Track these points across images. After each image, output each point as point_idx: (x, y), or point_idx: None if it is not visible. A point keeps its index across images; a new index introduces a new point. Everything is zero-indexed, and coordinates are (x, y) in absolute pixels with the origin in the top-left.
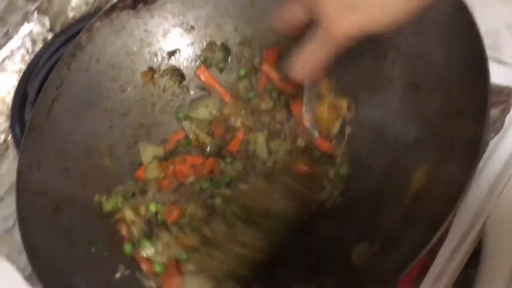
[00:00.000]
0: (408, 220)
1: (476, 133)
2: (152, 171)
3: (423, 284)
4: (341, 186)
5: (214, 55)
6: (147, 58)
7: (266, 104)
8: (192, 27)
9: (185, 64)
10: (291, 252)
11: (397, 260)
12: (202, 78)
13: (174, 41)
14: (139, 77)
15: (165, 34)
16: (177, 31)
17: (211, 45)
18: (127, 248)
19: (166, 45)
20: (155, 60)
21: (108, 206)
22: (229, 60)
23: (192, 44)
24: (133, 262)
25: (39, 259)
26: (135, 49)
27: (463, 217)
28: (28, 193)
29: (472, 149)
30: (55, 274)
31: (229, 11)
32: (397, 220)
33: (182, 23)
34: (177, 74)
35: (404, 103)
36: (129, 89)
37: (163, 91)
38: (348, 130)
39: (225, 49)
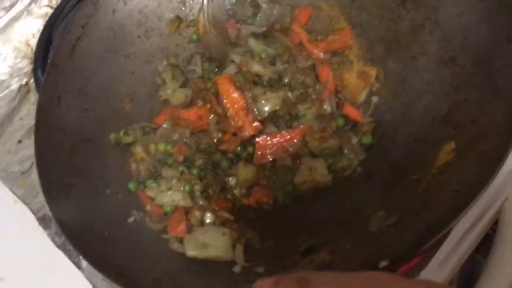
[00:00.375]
0: (428, 197)
1: None
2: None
3: (430, 265)
4: (362, 155)
5: (243, 11)
6: (175, 6)
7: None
8: None
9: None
10: (308, 214)
11: (414, 236)
12: (230, 30)
13: None
14: (165, 25)
15: None
16: None
17: (241, 0)
18: (131, 185)
19: None
20: (183, 9)
21: (128, 139)
22: (258, 17)
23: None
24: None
25: (55, 195)
26: None
27: (479, 198)
28: (47, 128)
29: (507, 131)
30: (70, 211)
31: None
32: (417, 195)
33: None
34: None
35: (437, 77)
36: (154, 36)
37: (189, 42)
38: (374, 100)
39: (255, 5)
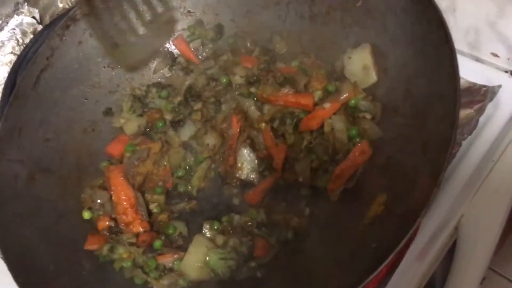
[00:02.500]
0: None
1: (428, 187)
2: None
3: (391, 283)
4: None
5: (205, 32)
6: None
7: None
8: (190, 12)
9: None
10: None
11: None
12: (178, 48)
13: None
14: None
15: None
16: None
17: (201, 23)
18: (86, 214)
19: None
20: None
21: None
22: (218, 43)
23: (188, 29)
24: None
25: (5, 226)
26: None
27: (434, 217)
28: (5, 159)
29: (427, 189)
30: (18, 239)
31: (228, 1)
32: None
33: (180, 7)
34: (169, 57)
35: (382, 125)
36: (119, 66)
37: (154, 72)
38: None
39: (219, 30)
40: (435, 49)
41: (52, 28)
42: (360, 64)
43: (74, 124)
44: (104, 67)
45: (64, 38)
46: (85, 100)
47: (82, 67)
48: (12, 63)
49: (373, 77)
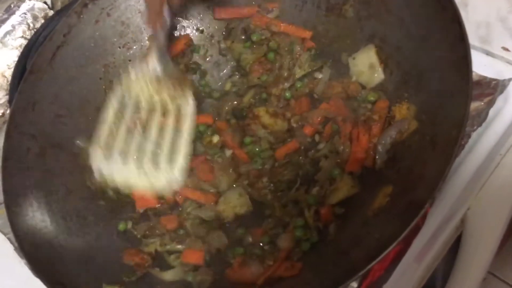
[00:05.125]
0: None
1: (436, 176)
2: None
3: (395, 274)
4: None
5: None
6: None
7: None
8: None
9: (197, 34)
10: None
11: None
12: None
13: (190, 5)
14: (147, 37)
15: None
16: None
17: None
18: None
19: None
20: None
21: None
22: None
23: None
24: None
25: (14, 196)
26: None
27: (440, 207)
28: (18, 132)
29: (431, 187)
30: (27, 212)
31: None
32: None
33: None
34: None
35: None
36: (135, 47)
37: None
38: None
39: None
40: (450, 46)
41: (63, 14)
42: (366, 64)
43: (87, 102)
44: (120, 47)
45: (81, 16)
46: (99, 79)
47: (98, 46)
48: (22, 47)
49: (380, 75)
